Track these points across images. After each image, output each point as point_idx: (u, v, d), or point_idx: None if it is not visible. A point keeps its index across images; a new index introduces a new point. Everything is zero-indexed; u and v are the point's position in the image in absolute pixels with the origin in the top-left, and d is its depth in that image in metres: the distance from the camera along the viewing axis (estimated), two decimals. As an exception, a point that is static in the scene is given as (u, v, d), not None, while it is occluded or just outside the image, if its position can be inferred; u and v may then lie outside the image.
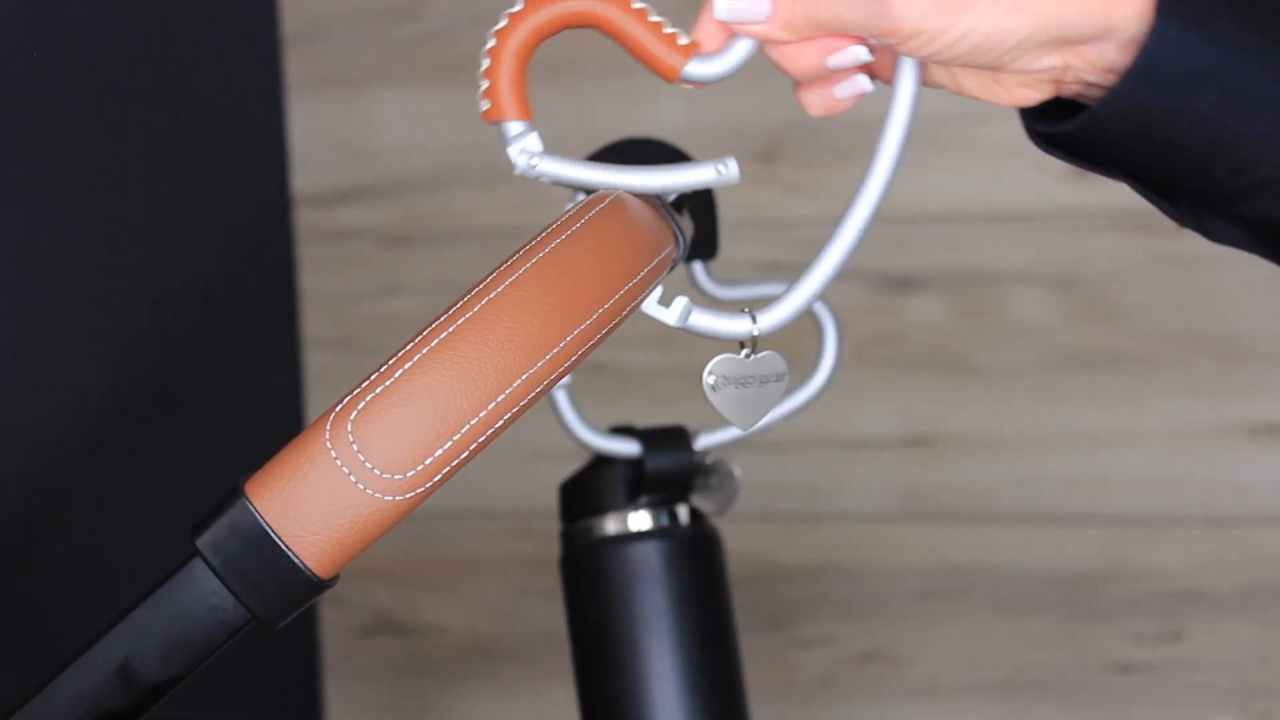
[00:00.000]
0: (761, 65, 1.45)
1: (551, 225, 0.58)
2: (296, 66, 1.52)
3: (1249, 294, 1.34)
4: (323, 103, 1.52)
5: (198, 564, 0.55)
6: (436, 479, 0.54)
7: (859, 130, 1.40)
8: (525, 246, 0.57)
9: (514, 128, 0.62)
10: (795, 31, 0.64)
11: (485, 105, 0.63)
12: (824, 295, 0.90)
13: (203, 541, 0.55)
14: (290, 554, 0.54)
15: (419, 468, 0.54)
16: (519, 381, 0.54)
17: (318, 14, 1.51)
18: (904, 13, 0.60)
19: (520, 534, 1.49)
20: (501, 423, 0.55)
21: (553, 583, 1.52)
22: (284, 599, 0.54)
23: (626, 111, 1.45)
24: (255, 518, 0.54)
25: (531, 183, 1.57)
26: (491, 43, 0.62)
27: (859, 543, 1.42)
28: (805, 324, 0.97)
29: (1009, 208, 1.38)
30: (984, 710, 1.43)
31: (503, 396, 0.54)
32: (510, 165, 0.63)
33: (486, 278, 0.56)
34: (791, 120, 1.41)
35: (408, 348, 0.54)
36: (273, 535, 0.54)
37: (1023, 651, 1.41)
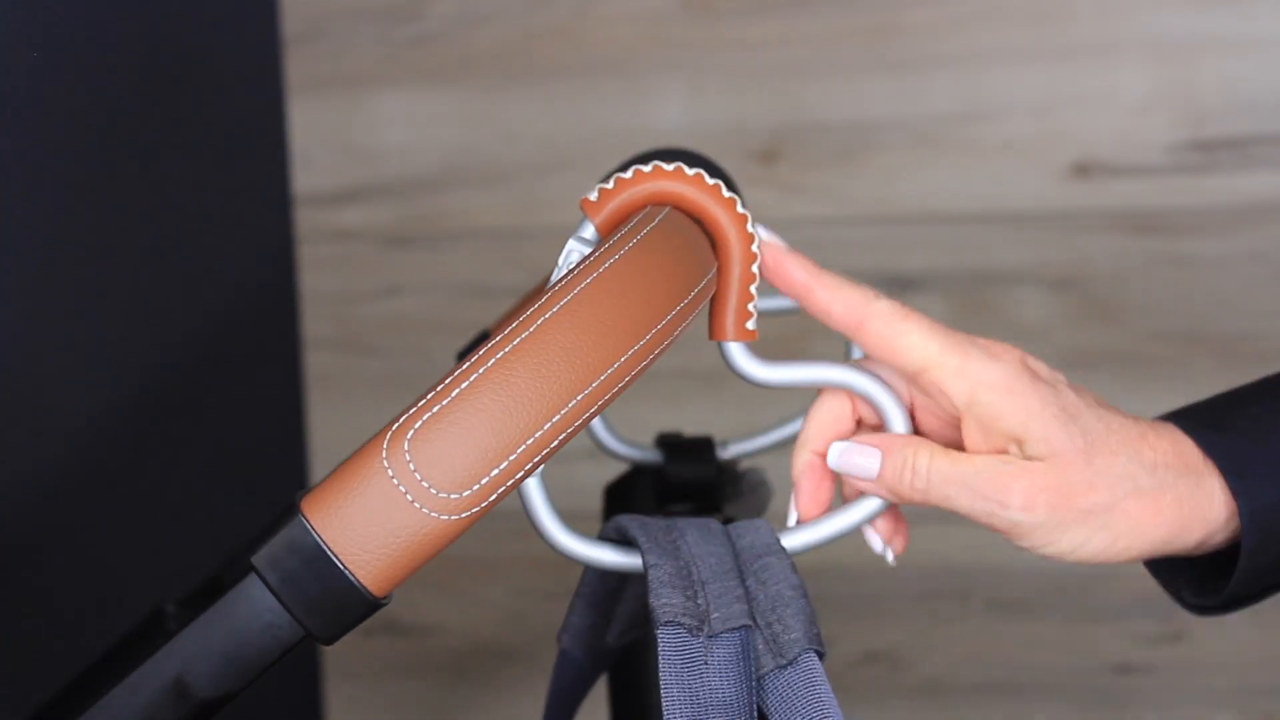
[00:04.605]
0: (762, 65, 1.45)
1: (604, 244, 0.57)
2: (296, 66, 1.52)
3: (1249, 294, 1.34)
4: (323, 103, 1.52)
5: (254, 581, 0.54)
6: (492, 498, 0.54)
7: (859, 131, 1.40)
8: (579, 267, 0.56)
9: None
10: (901, 498, 0.64)
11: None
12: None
13: (259, 559, 0.54)
14: (347, 572, 0.53)
15: (475, 487, 0.53)
16: (574, 401, 0.54)
17: (318, 14, 1.51)
18: (1020, 518, 0.62)
19: (521, 534, 1.49)
20: (556, 442, 0.54)
21: (553, 583, 1.53)
22: (339, 617, 0.54)
23: (626, 111, 1.45)
24: (312, 536, 0.53)
25: (531, 185, 1.57)
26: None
27: (859, 543, 1.41)
28: (809, 325, 0.97)
29: (1009, 208, 1.38)
30: (984, 710, 1.43)
31: (558, 416, 0.54)
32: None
33: (542, 298, 0.55)
34: (791, 120, 1.41)
35: (464, 367, 0.54)
36: (329, 553, 0.53)
37: (1023, 651, 1.41)
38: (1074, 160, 1.36)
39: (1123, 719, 1.40)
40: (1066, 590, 1.39)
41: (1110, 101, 1.35)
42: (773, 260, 0.64)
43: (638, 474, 0.89)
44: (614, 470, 0.92)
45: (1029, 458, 0.62)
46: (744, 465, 0.92)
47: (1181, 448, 0.64)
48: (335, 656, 1.57)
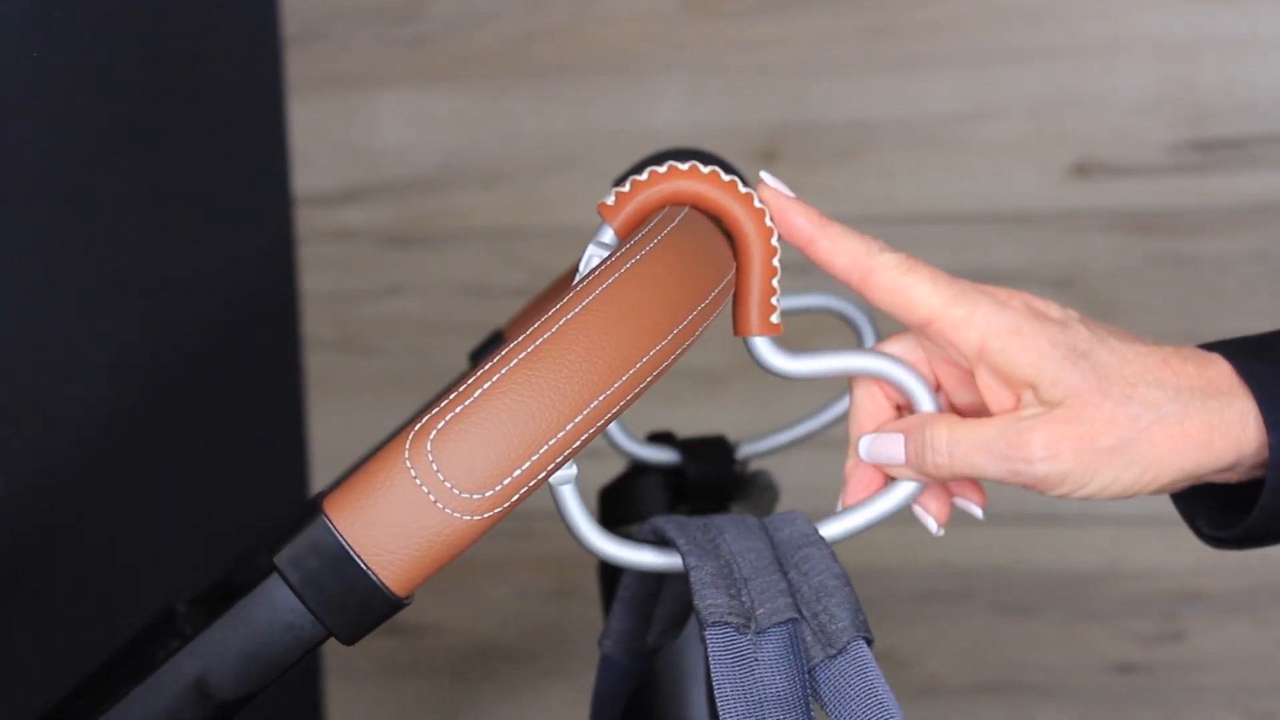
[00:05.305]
0: (761, 67, 1.45)
1: (626, 244, 0.57)
2: (296, 66, 1.52)
3: (1249, 294, 1.34)
4: (323, 103, 1.52)
5: (275, 581, 0.54)
6: (514, 499, 0.54)
7: (859, 130, 1.40)
8: (601, 267, 0.56)
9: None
10: (931, 477, 0.64)
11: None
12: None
13: (281, 558, 0.54)
14: (370, 573, 0.53)
15: (498, 487, 0.53)
16: (597, 401, 0.54)
17: (318, 14, 1.51)
18: (1047, 470, 0.62)
19: (521, 535, 1.49)
20: (579, 442, 0.54)
21: (553, 583, 1.53)
22: (361, 617, 0.54)
23: (626, 111, 1.45)
24: (335, 536, 0.53)
25: (531, 185, 1.57)
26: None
27: (859, 543, 1.41)
28: (819, 322, 0.97)
29: (1009, 208, 1.38)
30: (984, 710, 1.43)
31: (581, 417, 0.54)
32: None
33: (564, 298, 0.55)
34: (791, 120, 1.41)
35: (486, 367, 0.54)
36: (352, 554, 0.53)
37: (1023, 651, 1.41)
38: (1074, 160, 1.36)
39: (1123, 719, 1.40)
40: (1066, 590, 1.39)
41: (1110, 101, 1.35)
42: (777, 210, 0.63)
43: (635, 475, 0.89)
44: (614, 470, 0.92)
45: (1045, 402, 0.61)
46: (753, 467, 0.91)
47: (1210, 372, 0.63)
48: (335, 656, 1.56)
